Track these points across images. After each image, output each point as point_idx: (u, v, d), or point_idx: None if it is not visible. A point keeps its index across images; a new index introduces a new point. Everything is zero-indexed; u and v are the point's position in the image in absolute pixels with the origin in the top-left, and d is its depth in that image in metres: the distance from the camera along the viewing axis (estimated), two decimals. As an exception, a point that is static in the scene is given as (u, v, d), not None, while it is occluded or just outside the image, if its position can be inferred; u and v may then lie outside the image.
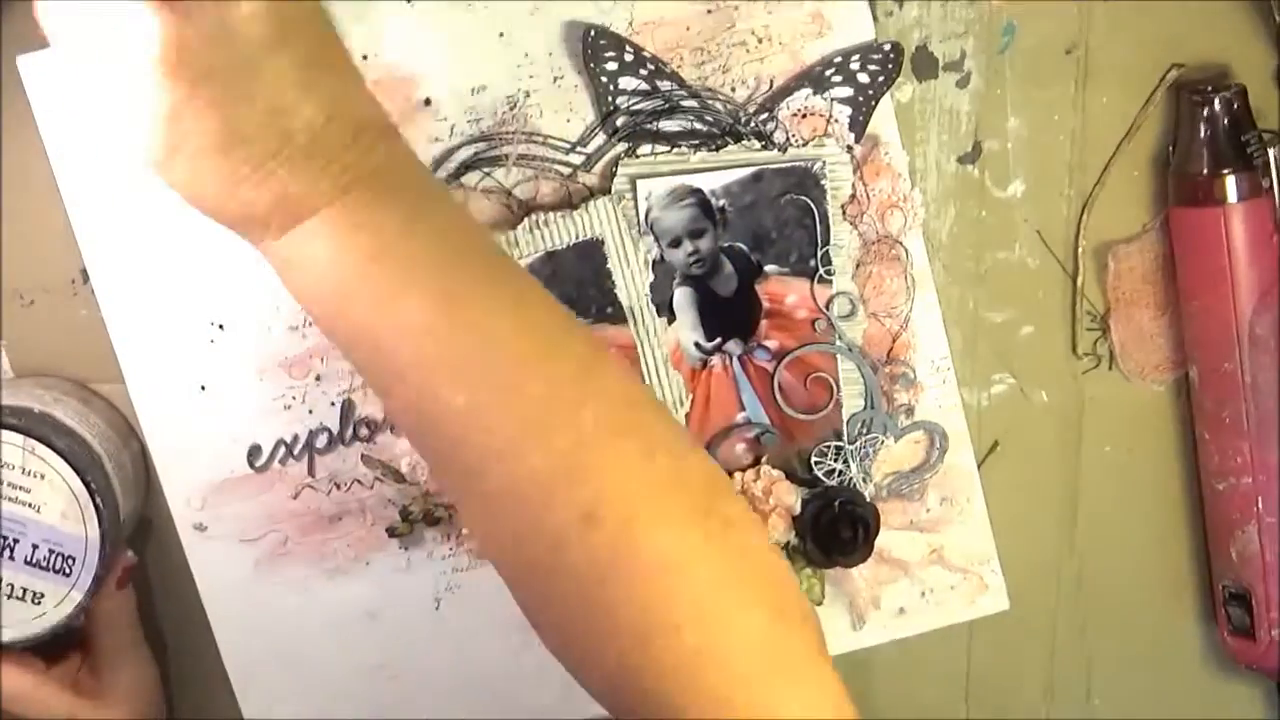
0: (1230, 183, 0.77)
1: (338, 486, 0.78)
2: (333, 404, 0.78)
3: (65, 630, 0.70)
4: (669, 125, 0.77)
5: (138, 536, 0.77)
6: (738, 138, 0.78)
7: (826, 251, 0.79)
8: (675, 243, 0.78)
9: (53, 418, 0.71)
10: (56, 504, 0.69)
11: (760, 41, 0.77)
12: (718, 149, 0.78)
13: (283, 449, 0.78)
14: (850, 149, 0.78)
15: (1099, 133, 0.81)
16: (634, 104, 0.77)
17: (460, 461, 0.57)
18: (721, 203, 0.78)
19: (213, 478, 0.78)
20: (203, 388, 0.77)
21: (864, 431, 0.80)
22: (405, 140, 0.58)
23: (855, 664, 0.82)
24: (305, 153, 0.54)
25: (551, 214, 0.77)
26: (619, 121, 0.77)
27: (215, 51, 0.52)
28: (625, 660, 0.55)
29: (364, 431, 0.78)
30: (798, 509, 0.79)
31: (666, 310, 0.79)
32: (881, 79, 0.78)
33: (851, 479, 0.80)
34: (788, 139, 0.78)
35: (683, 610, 0.55)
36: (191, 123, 0.52)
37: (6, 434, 0.68)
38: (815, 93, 0.78)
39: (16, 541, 0.68)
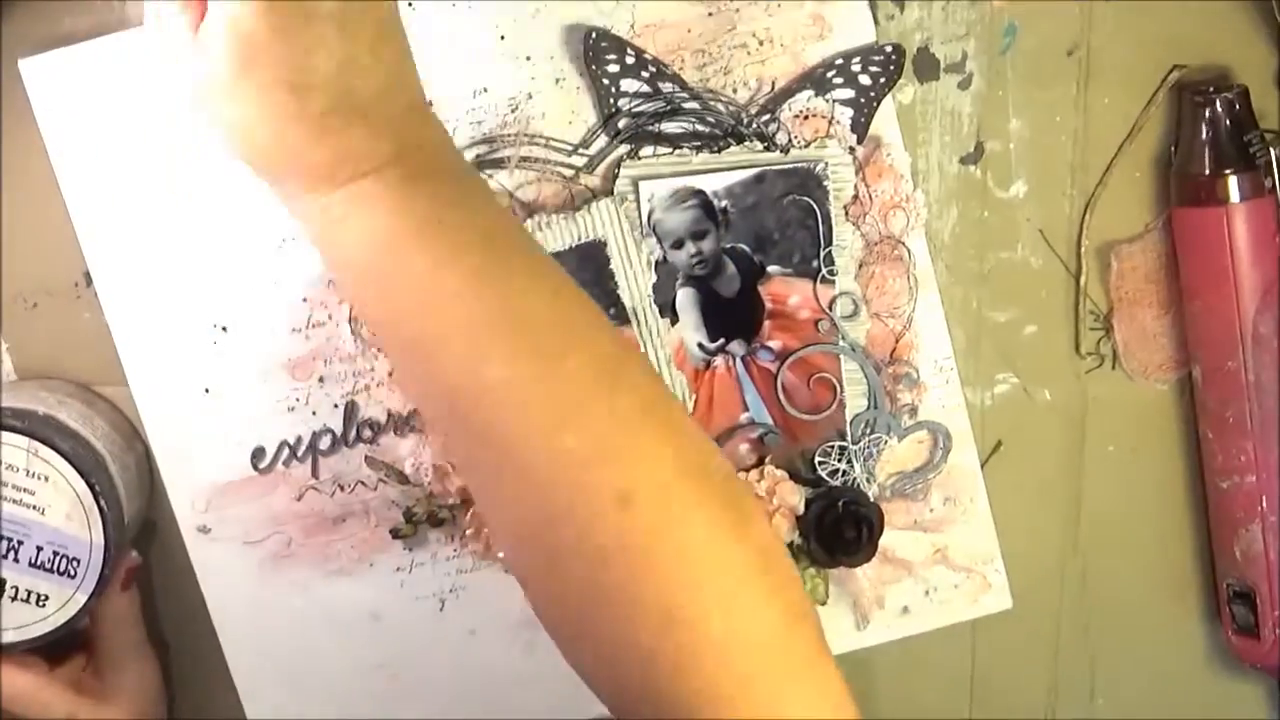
0: (1232, 183, 0.77)
1: (341, 488, 0.79)
2: (336, 406, 0.78)
3: (69, 632, 0.70)
4: (671, 127, 0.78)
5: (141, 538, 0.78)
6: (740, 139, 0.78)
7: (829, 252, 0.79)
8: (678, 244, 0.78)
9: (56, 420, 0.71)
10: (60, 506, 0.69)
11: (761, 43, 0.78)
12: (720, 150, 0.78)
13: (286, 451, 0.78)
14: (852, 150, 0.78)
15: (1101, 133, 0.81)
16: (636, 106, 0.77)
17: (494, 440, 0.56)
18: (724, 204, 0.78)
19: (216, 480, 0.78)
20: (206, 390, 0.77)
21: (867, 431, 0.80)
22: (447, 130, 0.60)
23: (859, 663, 0.82)
24: (364, 113, 0.54)
25: (554, 216, 0.77)
26: (621, 123, 0.77)
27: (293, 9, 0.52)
28: (641, 652, 0.55)
29: (367, 433, 0.78)
30: (801, 509, 0.79)
31: (669, 311, 0.79)
32: (883, 80, 0.78)
33: (855, 479, 0.80)
34: (790, 140, 0.78)
35: (712, 596, 0.55)
36: (270, 53, 0.53)
37: (10, 436, 0.68)
38: (817, 94, 0.78)
39: (20, 543, 0.69)
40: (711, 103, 0.77)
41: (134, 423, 0.77)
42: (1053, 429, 0.83)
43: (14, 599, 0.69)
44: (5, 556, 0.69)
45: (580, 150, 0.77)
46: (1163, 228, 0.82)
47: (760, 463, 0.80)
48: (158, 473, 0.77)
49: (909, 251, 0.80)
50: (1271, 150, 0.77)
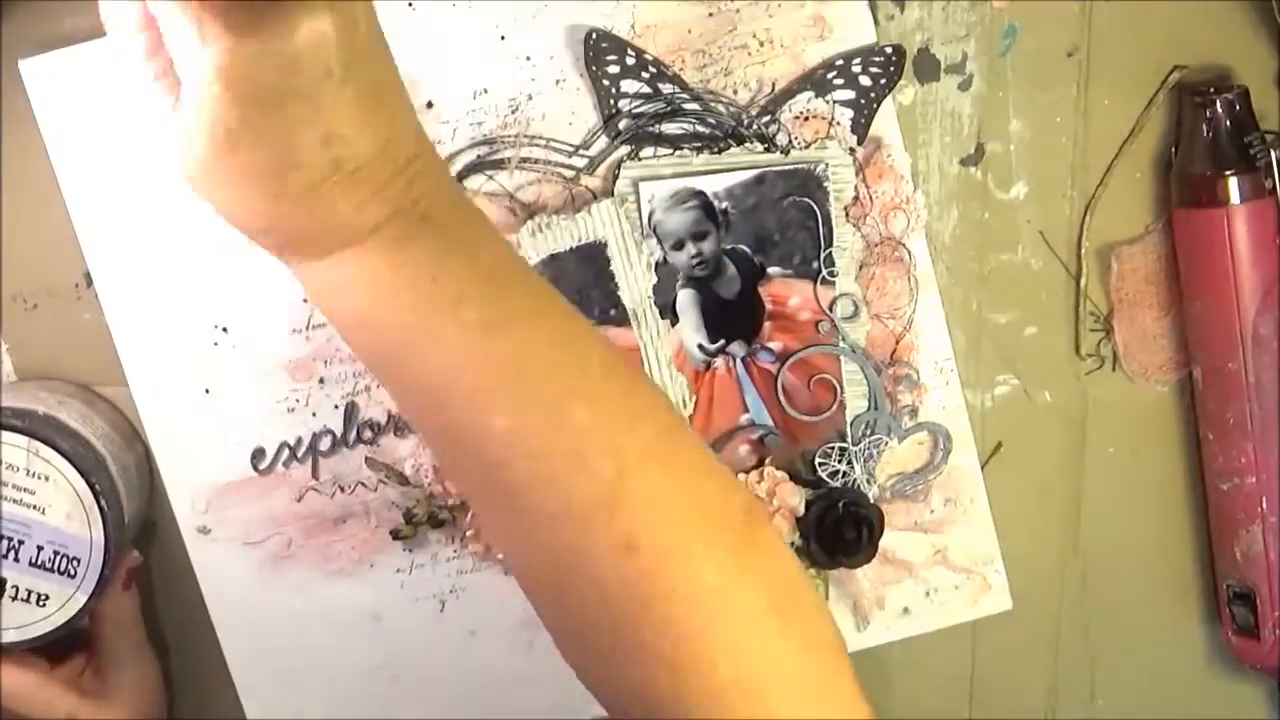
0: (1233, 184, 0.77)
1: (341, 489, 0.79)
2: (336, 406, 0.78)
3: (69, 631, 0.70)
4: (671, 128, 0.78)
5: (142, 538, 0.77)
6: (740, 140, 0.78)
7: (829, 253, 0.79)
8: (678, 245, 0.78)
9: (57, 420, 0.71)
10: (61, 506, 0.69)
11: (762, 44, 0.78)
12: (720, 151, 0.78)
13: (286, 452, 0.78)
14: (853, 151, 0.78)
15: (1101, 134, 0.81)
16: (636, 107, 0.77)
17: (498, 485, 0.56)
18: (724, 205, 0.78)
19: (216, 480, 0.78)
20: (206, 391, 0.77)
21: (868, 433, 0.80)
22: (447, 168, 0.58)
23: (859, 664, 0.81)
24: (354, 180, 0.53)
25: (555, 217, 0.77)
26: (621, 124, 0.77)
27: (278, 77, 0.50)
28: (653, 689, 0.55)
29: (368, 434, 0.78)
30: (801, 510, 0.79)
31: (670, 312, 0.79)
32: (883, 82, 0.78)
33: (855, 480, 0.80)
34: (790, 141, 0.78)
35: (719, 643, 0.54)
36: (244, 142, 0.51)
37: (11, 436, 0.68)
38: (817, 95, 0.78)
39: (21, 543, 0.69)
40: (712, 104, 0.77)
41: (134, 423, 0.77)
42: (1053, 430, 0.83)
43: (14, 599, 0.69)
44: (6, 556, 0.68)
45: (581, 151, 0.77)
46: (1163, 229, 0.82)
47: (760, 464, 0.80)
48: (158, 473, 0.77)
49: (909, 253, 0.80)
50: (1272, 151, 0.78)
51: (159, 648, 0.78)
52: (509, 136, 0.77)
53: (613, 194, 0.77)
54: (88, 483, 0.69)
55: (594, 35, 0.76)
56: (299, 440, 0.78)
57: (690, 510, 0.56)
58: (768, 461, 0.80)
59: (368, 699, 0.80)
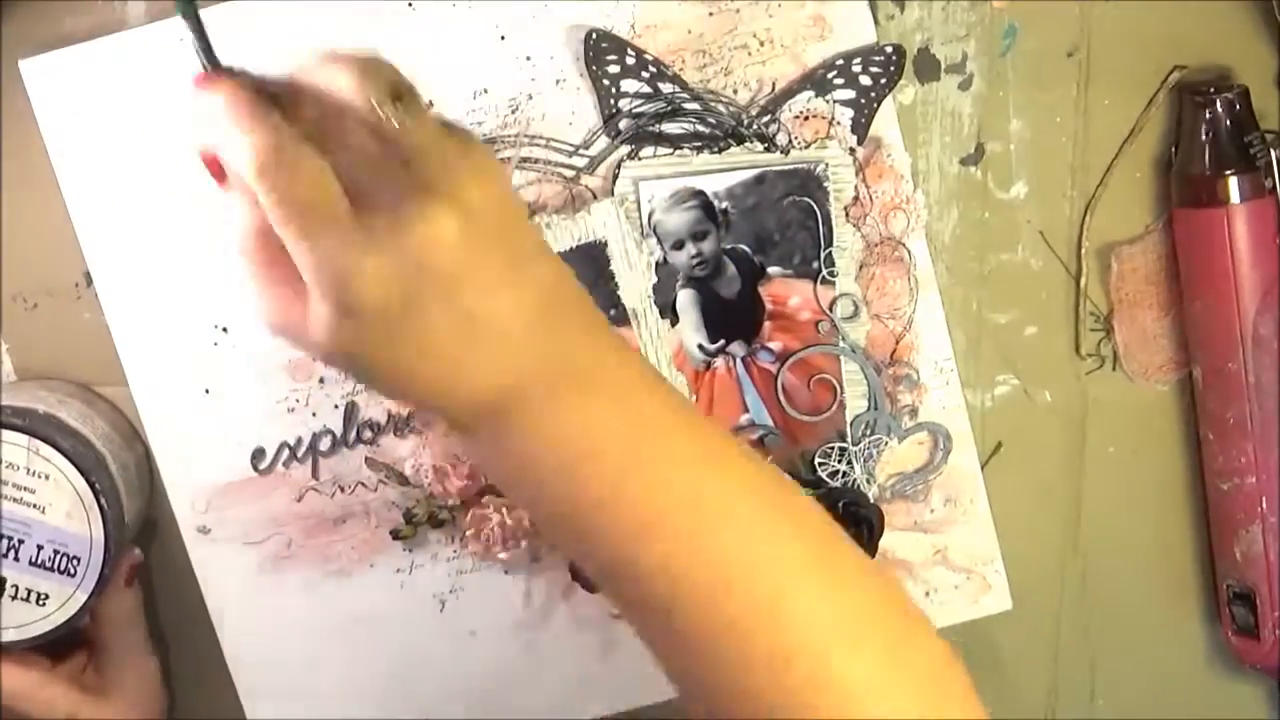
0: (1233, 184, 0.77)
1: (341, 489, 0.79)
2: (336, 406, 0.78)
3: (70, 630, 0.70)
4: (671, 128, 0.78)
5: (141, 539, 0.77)
6: (740, 140, 0.78)
7: (829, 253, 0.79)
8: (678, 245, 0.78)
9: (57, 419, 0.71)
10: (61, 505, 0.69)
11: (762, 44, 0.78)
12: (720, 151, 0.78)
13: (286, 452, 0.78)
14: (853, 151, 0.78)
15: (1101, 134, 0.81)
16: (636, 107, 0.77)
17: (652, 606, 0.56)
18: (724, 205, 0.78)
19: (216, 480, 0.78)
20: (206, 390, 0.77)
21: (867, 433, 0.80)
22: (607, 322, 0.58)
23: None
24: (513, 351, 0.54)
25: (555, 216, 0.77)
26: (621, 124, 0.77)
27: (409, 279, 0.51)
28: None
29: (367, 434, 0.78)
30: (801, 510, 0.79)
31: (670, 312, 0.79)
32: (884, 81, 0.78)
33: (855, 480, 0.80)
34: (790, 141, 0.78)
35: None
36: (388, 339, 0.52)
37: (11, 435, 0.68)
38: (817, 95, 0.78)
39: (21, 542, 0.68)
40: (712, 103, 0.77)
41: (134, 423, 0.77)
42: (1053, 430, 0.83)
43: (14, 598, 0.69)
44: (6, 555, 0.68)
45: (581, 151, 0.77)
46: (1163, 229, 0.82)
47: (760, 464, 0.80)
48: (158, 473, 0.77)
49: (909, 253, 0.80)
50: (1272, 151, 0.77)
51: (159, 647, 0.78)
52: (509, 136, 0.77)
53: (613, 194, 0.77)
54: (88, 481, 0.69)
55: (594, 35, 0.76)
56: (299, 440, 0.78)
57: (841, 617, 0.56)
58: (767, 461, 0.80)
59: (368, 699, 0.80)
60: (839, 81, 0.78)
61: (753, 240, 0.78)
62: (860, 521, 0.79)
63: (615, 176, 0.77)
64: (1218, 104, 0.78)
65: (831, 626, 0.55)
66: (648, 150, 0.77)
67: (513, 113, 0.77)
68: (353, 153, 0.51)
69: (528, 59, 0.76)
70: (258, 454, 0.78)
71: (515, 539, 0.78)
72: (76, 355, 0.77)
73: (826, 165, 0.78)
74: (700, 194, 0.78)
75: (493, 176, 0.54)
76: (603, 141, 0.77)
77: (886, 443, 0.81)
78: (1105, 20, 0.80)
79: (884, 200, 0.79)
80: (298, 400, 0.78)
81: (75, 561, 0.69)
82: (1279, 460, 0.79)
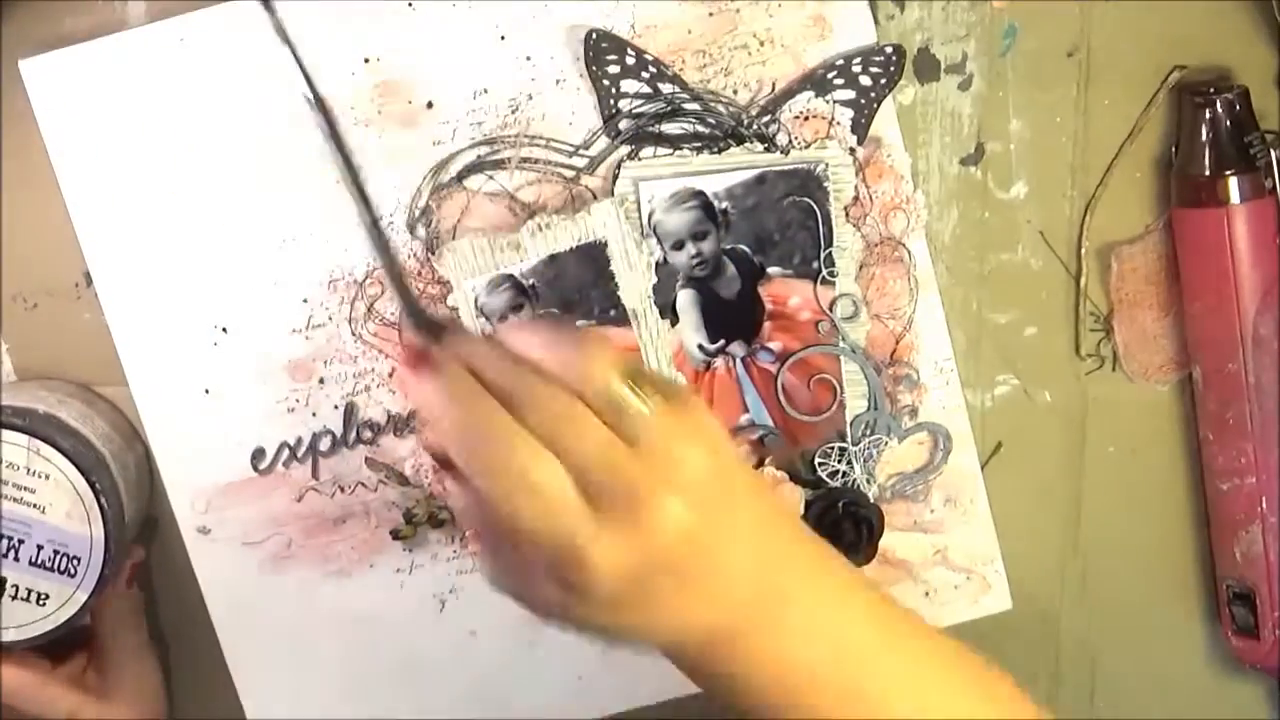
0: (1233, 184, 0.77)
1: (341, 489, 0.79)
2: (336, 407, 0.78)
3: (70, 630, 0.70)
4: (671, 128, 0.78)
5: (142, 538, 0.78)
6: (740, 140, 0.78)
7: (829, 253, 0.79)
8: (678, 245, 0.78)
9: (57, 419, 0.71)
10: (61, 504, 0.69)
11: (762, 44, 0.78)
12: (720, 151, 0.78)
13: (286, 452, 0.78)
14: (853, 151, 0.78)
15: (1101, 134, 0.81)
16: (636, 107, 0.77)
17: None
18: (724, 205, 0.78)
19: (216, 480, 0.78)
20: (206, 391, 0.77)
21: (867, 433, 0.80)
22: (814, 537, 0.60)
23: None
24: (732, 596, 0.55)
25: (555, 217, 0.77)
26: (621, 124, 0.77)
27: (641, 566, 0.52)
28: None
29: (367, 434, 0.78)
30: (801, 510, 0.79)
31: (669, 312, 0.79)
32: (883, 81, 0.78)
33: (855, 480, 0.80)
34: (790, 141, 0.78)
35: None
36: (614, 611, 0.53)
37: (11, 434, 0.68)
38: (817, 95, 0.78)
39: (21, 542, 0.68)
40: (712, 104, 0.77)
41: (134, 423, 0.77)
42: (1053, 430, 0.83)
43: (14, 598, 0.69)
44: (6, 555, 0.68)
45: (581, 151, 0.77)
46: (1163, 229, 0.82)
47: (760, 464, 0.80)
48: (158, 473, 0.77)
49: (909, 253, 0.80)
50: (1272, 151, 0.77)
51: (159, 647, 0.78)
52: (509, 136, 0.77)
53: (613, 194, 0.77)
54: (88, 481, 0.69)
55: (594, 35, 0.76)
56: (299, 440, 0.78)
57: None
58: (767, 461, 0.80)
59: (368, 699, 0.80)
60: (839, 82, 0.78)
61: (753, 240, 0.78)
62: (860, 521, 0.79)
63: (615, 177, 0.77)
64: (1218, 104, 0.78)
65: None
66: (648, 150, 0.77)
67: (513, 113, 0.77)
68: (588, 448, 0.51)
69: (528, 59, 0.76)
70: (258, 454, 0.78)
71: (515, 539, 0.78)
72: (76, 355, 0.77)
73: (826, 165, 0.78)
74: (700, 194, 0.78)
75: (711, 434, 0.54)
76: (603, 142, 0.77)
77: (886, 443, 0.81)
78: (1105, 20, 0.80)
79: (884, 200, 0.79)
80: (298, 400, 0.78)
81: (75, 561, 0.69)
82: (1279, 460, 0.79)
